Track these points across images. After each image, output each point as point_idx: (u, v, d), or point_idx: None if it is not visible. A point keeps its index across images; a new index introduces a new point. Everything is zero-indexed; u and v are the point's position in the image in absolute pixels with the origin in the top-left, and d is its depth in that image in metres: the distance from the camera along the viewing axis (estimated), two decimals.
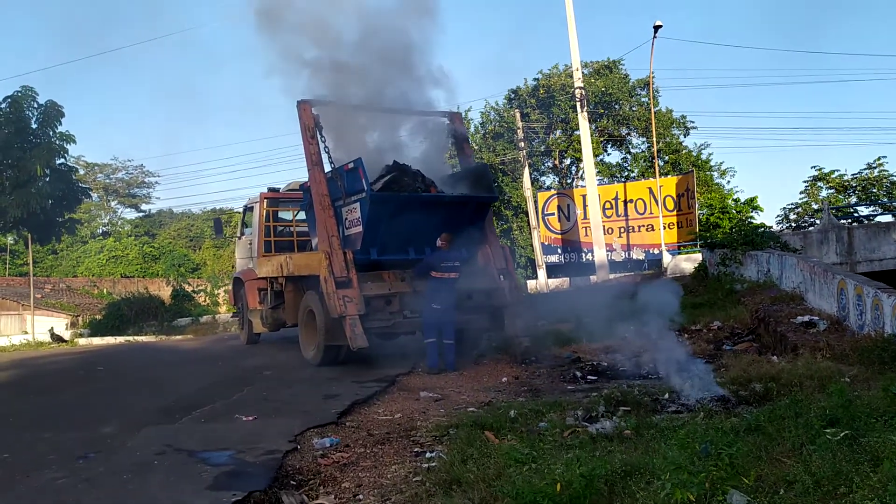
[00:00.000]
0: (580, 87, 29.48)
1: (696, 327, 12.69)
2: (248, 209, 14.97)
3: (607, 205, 32.67)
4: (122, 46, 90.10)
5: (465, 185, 11.09)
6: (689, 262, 27.23)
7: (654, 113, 37.14)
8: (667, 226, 30.44)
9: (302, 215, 13.65)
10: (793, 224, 30.95)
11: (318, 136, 11.02)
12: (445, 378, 9.89)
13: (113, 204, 54.35)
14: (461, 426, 6.81)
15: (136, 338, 21.95)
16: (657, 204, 31.00)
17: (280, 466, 5.77)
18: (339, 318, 9.97)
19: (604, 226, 29.79)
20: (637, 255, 32.05)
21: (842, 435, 5.17)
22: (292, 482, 5.55)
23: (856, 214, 27.69)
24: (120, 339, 20.93)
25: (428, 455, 6.11)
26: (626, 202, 32.54)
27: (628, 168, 39.53)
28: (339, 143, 11.21)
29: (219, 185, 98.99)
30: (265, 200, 13.65)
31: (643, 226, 31.98)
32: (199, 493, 5.06)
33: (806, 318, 10.18)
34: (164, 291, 35.54)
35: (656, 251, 30.97)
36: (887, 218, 25.94)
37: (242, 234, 15.31)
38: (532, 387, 9.29)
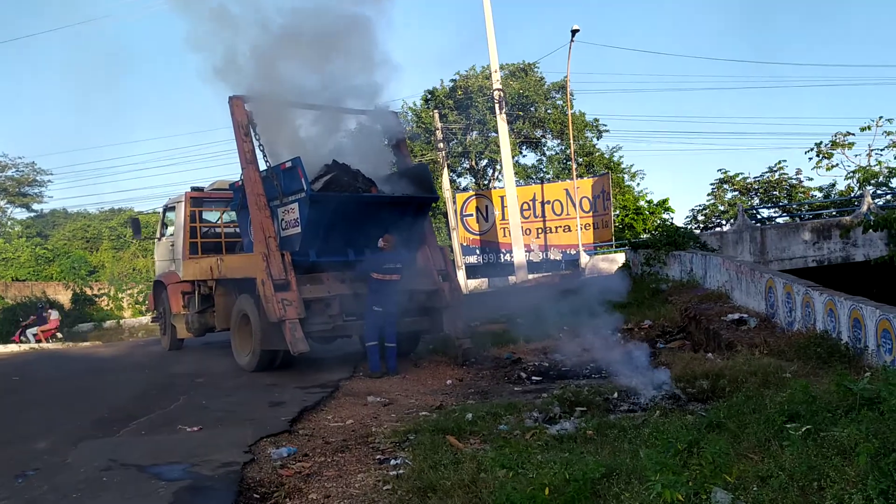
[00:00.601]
0: (499, 89, 29.76)
1: (627, 326, 12.92)
2: (168, 209, 14.33)
3: (525, 206, 33.06)
4: (24, 35, 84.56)
5: (405, 185, 10.94)
6: (606, 263, 27.89)
7: (568, 116, 37.96)
8: (583, 226, 31.07)
9: (230, 216, 13.16)
10: (701, 225, 32.15)
11: (252, 134, 10.63)
12: (388, 382, 9.71)
13: (1, 203, 51.27)
14: (420, 431, 6.69)
15: (41, 345, 20.69)
16: (574, 205, 31.62)
17: (241, 479, 5.49)
18: (277, 322, 9.64)
19: (522, 226, 30.17)
20: (555, 255, 32.59)
21: (804, 430, 5.32)
22: (255, 495, 5.29)
23: (758, 216, 29.05)
24: (24, 347, 19.65)
25: (393, 462, 5.96)
26: (543, 203, 33.03)
27: (543, 170, 40.19)
28: (273, 141, 10.83)
29: (123, 184, 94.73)
30: (190, 200, 13.07)
31: (560, 226, 32.55)
32: None
33: (736, 316, 10.52)
34: (63, 295, 33.69)
35: (573, 251, 31.57)
36: (786, 219, 27.36)
37: (162, 235, 14.64)
38: (478, 389, 9.24)
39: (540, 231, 33.25)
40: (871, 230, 15.05)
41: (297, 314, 9.65)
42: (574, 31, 28.59)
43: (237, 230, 13.31)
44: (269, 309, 9.69)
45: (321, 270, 10.36)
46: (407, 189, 10.89)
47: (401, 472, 5.65)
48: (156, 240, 14.83)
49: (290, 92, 10.97)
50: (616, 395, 7.93)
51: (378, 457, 6.17)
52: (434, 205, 14.09)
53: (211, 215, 13.82)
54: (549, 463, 4.86)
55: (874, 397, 5.50)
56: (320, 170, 10.41)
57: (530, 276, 29.63)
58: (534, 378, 9.67)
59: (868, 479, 4.18)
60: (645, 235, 30.26)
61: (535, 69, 39.64)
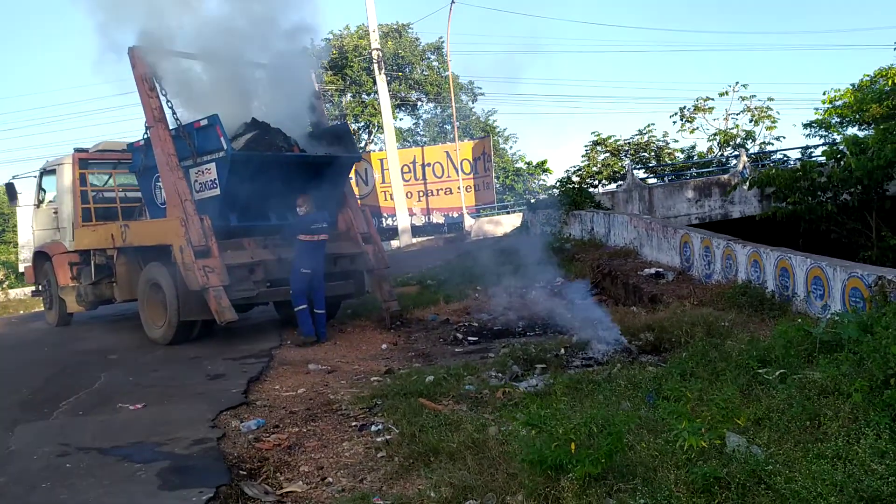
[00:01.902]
0: (378, 49, 29.26)
1: (540, 285, 13.15)
2: (47, 172, 13.04)
3: (405, 168, 32.93)
4: None
5: (325, 145, 10.49)
6: (492, 225, 28.37)
7: (445, 79, 37.95)
8: (465, 189, 31.36)
9: (127, 179, 12.17)
10: (576, 185, 33.18)
11: (158, 89, 9.82)
12: (321, 349, 9.39)
13: None
14: (386, 396, 6.51)
15: None
16: (455, 168, 31.82)
17: (222, 456, 5.11)
18: (199, 291, 9.07)
19: (403, 190, 30.05)
20: (437, 218, 32.75)
21: (778, 373, 5.60)
22: (241, 472, 4.94)
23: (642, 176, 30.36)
24: None
25: (374, 428, 5.76)
26: (424, 166, 33.03)
27: (420, 133, 40.13)
28: (181, 98, 10.08)
29: None
30: (78, 162, 11.95)
31: (442, 189, 32.70)
32: (156, 494, 4.35)
33: (652, 271, 10.95)
34: None
35: (456, 214, 31.86)
36: (652, 180, 28.74)
37: (40, 201, 13.34)
38: (418, 351, 9.12)
39: (421, 194, 33.27)
40: (746, 187, 16.07)
41: (220, 281, 9.10)
42: None
43: (127, 194, 12.40)
44: (189, 277, 9.09)
45: (241, 235, 9.81)
46: (327, 148, 10.46)
47: (388, 437, 5.47)
48: (33, 207, 13.48)
49: (194, 44, 10.20)
50: (563, 350, 8.04)
51: (353, 424, 5.95)
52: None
53: (98, 179, 12.72)
54: (567, 417, 4.78)
55: (832, 340, 5.86)
56: (238, 128, 9.80)
57: (414, 240, 29.65)
58: (470, 339, 9.64)
59: (869, 413, 4.44)
60: (531, 196, 30.96)
61: (409, 30, 39.29)
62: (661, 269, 10.92)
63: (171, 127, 9.79)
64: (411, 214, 31.73)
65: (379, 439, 5.47)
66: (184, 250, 9.11)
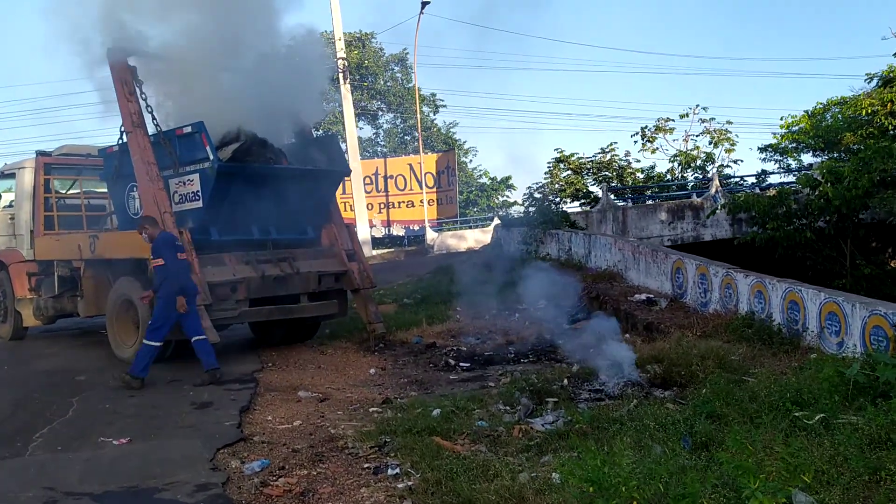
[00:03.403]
0: (343, 58, 28.80)
1: (522, 306, 12.86)
2: (5, 176, 12.25)
3: (367, 180, 32.42)
4: None
5: (312, 157, 10.02)
6: (455, 239, 28.06)
7: (408, 90, 37.67)
8: (428, 202, 31.00)
9: (99, 186, 11.47)
10: (537, 202, 33.10)
11: (138, 93, 9.25)
12: (307, 373, 8.91)
13: None
14: (394, 433, 6.09)
15: None
16: (418, 181, 31.44)
17: None
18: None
19: (364, 201, 29.56)
20: (398, 231, 32.30)
21: (817, 418, 5.37)
22: None
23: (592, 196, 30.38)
24: None
25: (391, 472, 5.31)
26: (386, 178, 32.58)
27: (381, 144, 39.66)
28: (162, 104, 9.53)
29: None
30: (42, 166, 11.19)
31: (404, 202, 32.29)
32: None
33: (643, 297, 10.75)
34: None
35: (417, 227, 31.47)
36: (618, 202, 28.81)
37: None
38: (410, 378, 8.71)
39: (382, 206, 32.82)
40: (725, 212, 16.11)
41: (202, 300, 8.55)
42: (424, 3, 28.23)
43: (91, 202, 11.71)
44: None
45: (222, 250, 9.27)
46: (314, 161, 10.00)
47: (409, 483, 5.05)
48: None
49: (175, 48, 9.65)
50: (567, 381, 7.73)
51: (366, 466, 5.50)
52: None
53: (61, 185, 11.98)
54: (626, 471, 4.42)
55: (867, 383, 5.67)
56: (223, 137, 9.28)
57: (374, 252, 29.16)
58: (462, 364, 9.26)
59: None
60: (505, 213, 30.74)
61: (373, 40, 38.89)
62: (651, 296, 10.72)
63: (150, 133, 9.22)
64: (371, 226, 31.23)
65: (400, 486, 5.04)
66: None
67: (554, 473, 4.92)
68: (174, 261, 8.11)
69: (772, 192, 20.33)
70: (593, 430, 5.92)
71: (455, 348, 10.24)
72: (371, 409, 7.16)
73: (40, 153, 11.55)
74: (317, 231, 10.30)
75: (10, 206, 12.07)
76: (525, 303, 13.12)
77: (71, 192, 11.86)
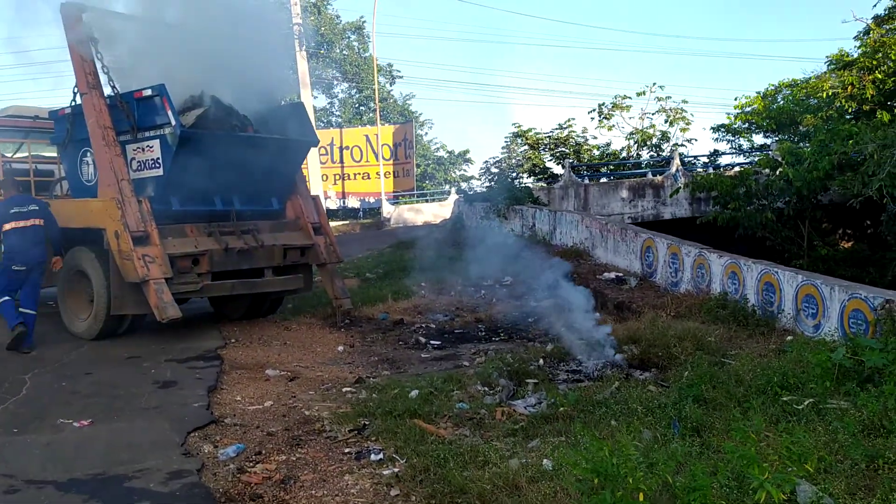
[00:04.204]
0: (298, 24, 28.01)
1: (488, 283, 12.71)
2: None
3: (322, 151, 31.76)
4: None
5: (278, 126, 9.60)
6: (413, 213, 27.77)
7: (365, 59, 36.95)
8: (384, 175, 30.59)
9: (52, 151, 10.84)
10: (495, 176, 32.97)
11: (95, 52, 8.70)
12: (271, 350, 8.59)
13: None
14: (375, 415, 5.87)
15: None
16: (374, 153, 30.96)
17: (210, 495, 4.36)
18: (135, 284, 8.10)
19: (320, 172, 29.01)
20: (353, 203, 31.83)
21: (807, 403, 5.33)
22: None
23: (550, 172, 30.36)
24: None
25: (375, 458, 5.10)
26: (342, 149, 31.99)
27: (336, 114, 38.92)
28: (118, 63, 8.98)
29: None
30: None
31: (359, 174, 31.79)
32: None
33: (612, 276, 10.69)
34: None
35: (372, 200, 31.07)
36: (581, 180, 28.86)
37: None
38: (381, 356, 8.47)
39: (338, 177, 32.28)
40: (688, 192, 16.19)
41: (162, 273, 8.15)
42: None
43: (38, 167, 11.10)
44: (126, 267, 8.09)
45: (183, 221, 8.85)
46: (280, 130, 9.58)
47: (395, 470, 4.84)
48: None
49: (135, 4, 9.13)
50: (542, 361, 7.61)
51: (347, 451, 5.28)
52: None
53: (6, 148, 11.31)
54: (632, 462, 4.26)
55: (853, 367, 5.65)
56: (185, 102, 8.82)
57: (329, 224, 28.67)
58: (433, 342, 9.06)
59: None
60: (464, 186, 30.48)
61: (329, 6, 37.98)
62: (620, 275, 10.66)
63: (106, 95, 8.70)
64: (326, 198, 30.69)
65: (385, 472, 4.83)
66: (120, 236, 8.11)
67: (545, 460, 4.77)
68: (5, 233, 8.20)
69: (731, 172, 20.58)
70: (578, 413, 5.81)
71: (424, 325, 10.03)
72: (344, 390, 6.92)
73: None
74: (282, 203, 9.92)
75: None
76: (490, 279, 12.99)
77: (17, 156, 11.20)
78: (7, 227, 8.16)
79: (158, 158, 8.51)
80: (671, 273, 9.84)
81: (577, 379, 7.02)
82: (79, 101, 8.81)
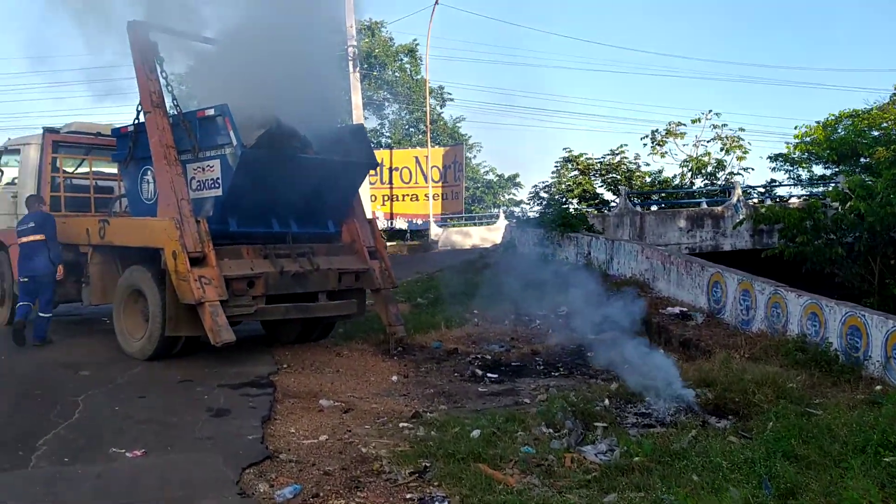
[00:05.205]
0: (353, 46, 28.15)
1: (542, 312, 12.34)
2: (8, 152, 11.63)
3: (372, 171, 31.78)
4: None
5: (340, 148, 9.43)
6: (461, 236, 27.52)
7: (416, 81, 37.03)
8: (433, 196, 30.40)
9: (109, 167, 10.89)
10: (545, 201, 32.56)
11: (159, 71, 8.67)
12: (324, 378, 8.34)
13: None
14: (436, 456, 5.56)
15: None
16: (423, 174, 30.82)
17: None
18: (192, 305, 7.96)
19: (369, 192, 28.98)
20: (400, 224, 31.68)
21: None
22: None
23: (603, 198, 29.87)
24: None
25: None
26: (391, 170, 31.86)
27: (386, 135, 38.99)
28: (181, 82, 8.94)
29: None
30: (51, 143, 10.58)
31: (408, 195, 31.62)
32: None
33: (677, 311, 10.27)
34: None
35: (420, 221, 30.88)
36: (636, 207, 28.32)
37: None
38: (437, 389, 8.19)
39: (386, 198, 32.16)
40: (751, 223, 15.62)
41: (218, 295, 8.01)
42: None
43: (98, 183, 11.15)
44: (182, 288, 7.97)
45: (240, 242, 8.72)
46: (340, 151, 9.41)
47: None
48: None
49: (201, 25, 9.10)
50: (608, 401, 7.22)
51: (409, 496, 4.97)
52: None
53: (69, 164, 11.37)
54: None
55: None
56: (246, 121, 8.69)
57: None
58: (490, 376, 8.74)
59: None
60: (505, 211, 30.20)
61: (383, 29, 38.22)
62: (684, 309, 10.21)
63: (169, 114, 8.65)
64: (374, 218, 30.65)
65: None
66: (177, 256, 7.99)
67: None
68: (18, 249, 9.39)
69: (795, 203, 19.92)
70: (655, 464, 5.42)
71: (479, 356, 9.72)
72: (401, 425, 6.63)
73: (47, 130, 10.96)
74: (338, 226, 9.76)
75: (13, 183, 11.45)
76: (545, 309, 12.62)
77: (79, 172, 11.26)
78: (18, 242, 9.39)
79: (218, 178, 8.41)
80: (742, 311, 9.37)
81: (647, 424, 6.62)
82: (142, 119, 8.78)
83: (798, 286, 9.60)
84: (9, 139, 11.86)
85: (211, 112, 8.31)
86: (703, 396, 7.11)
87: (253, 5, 9.05)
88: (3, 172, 11.86)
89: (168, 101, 8.70)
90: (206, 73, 9.10)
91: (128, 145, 9.28)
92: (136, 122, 8.98)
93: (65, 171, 10.91)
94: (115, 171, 10.67)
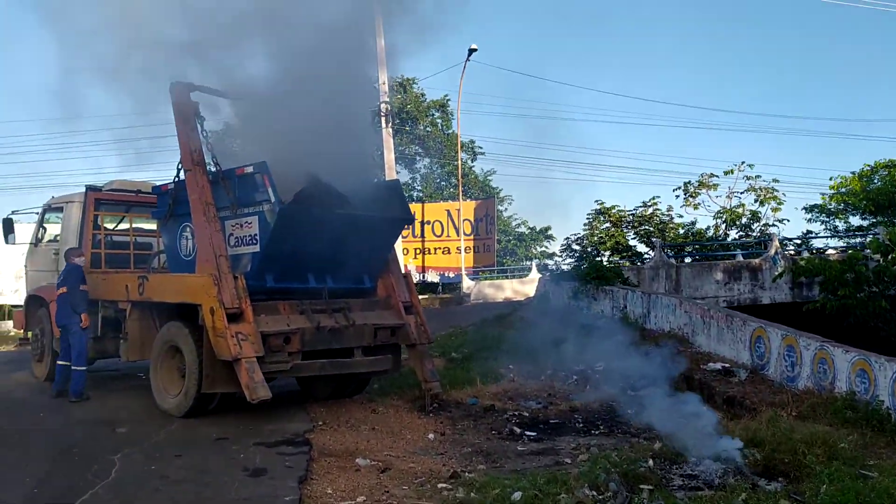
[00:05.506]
0: (386, 102, 28.64)
1: (579, 367, 12.14)
2: (52, 209, 11.91)
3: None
4: None
5: (375, 203, 9.48)
6: (493, 289, 27.42)
7: (447, 136, 37.47)
8: (465, 249, 30.44)
9: (149, 224, 11.08)
10: (578, 254, 32.43)
11: (200, 130, 8.85)
12: (360, 437, 8.22)
13: None
14: None
15: None
16: (455, 227, 30.93)
17: None
18: (229, 361, 7.95)
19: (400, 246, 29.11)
20: (432, 277, 31.70)
21: None
22: None
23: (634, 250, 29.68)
24: None
25: None
26: (423, 223, 32.01)
27: (417, 188, 39.33)
28: (221, 140, 9.13)
29: None
30: (93, 201, 10.81)
31: (440, 248, 31.71)
32: None
33: (719, 366, 10.03)
34: None
35: (452, 274, 30.87)
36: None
37: (39, 240, 12.14)
38: (474, 447, 8.01)
39: (418, 251, 32.25)
40: (790, 276, 15.35)
41: (254, 352, 7.99)
42: (471, 51, 28.07)
43: (137, 240, 11.32)
44: (219, 344, 7.97)
45: (276, 298, 8.74)
46: (376, 207, 9.46)
47: None
48: (31, 245, 12.25)
49: (242, 86, 9.30)
50: (651, 461, 7.00)
51: None
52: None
53: (109, 221, 11.60)
54: None
55: None
56: (283, 178, 8.80)
57: None
58: (528, 434, 8.56)
59: None
60: (538, 264, 30.10)
61: (415, 85, 38.87)
62: (726, 365, 9.97)
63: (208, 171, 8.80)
64: (408, 273, 30.72)
65: None
66: (215, 312, 8.02)
67: None
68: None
69: (834, 255, 19.55)
70: None
71: (516, 413, 9.55)
72: (440, 486, 6.48)
73: (90, 188, 11.21)
74: (374, 281, 9.75)
75: (55, 240, 11.68)
76: (582, 364, 12.42)
77: (119, 228, 11.46)
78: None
79: (256, 234, 8.48)
80: (787, 367, 9.12)
81: (695, 486, 6.39)
82: (182, 176, 8.93)
83: (842, 340, 9.35)
84: (52, 197, 12.15)
85: (250, 169, 8.43)
86: (752, 457, 6.87)
87: (290, 64, 9.23)
88: (45, 229, 12.13)
89: (207, 159, 8.86)
90: (244, 131, 9.25)
91: (168, 202, 9.43)
92: (177, 179, 9.13)
93: (105, 228, 11.10)
94: (153, 227, 10.83)
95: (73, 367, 9.58)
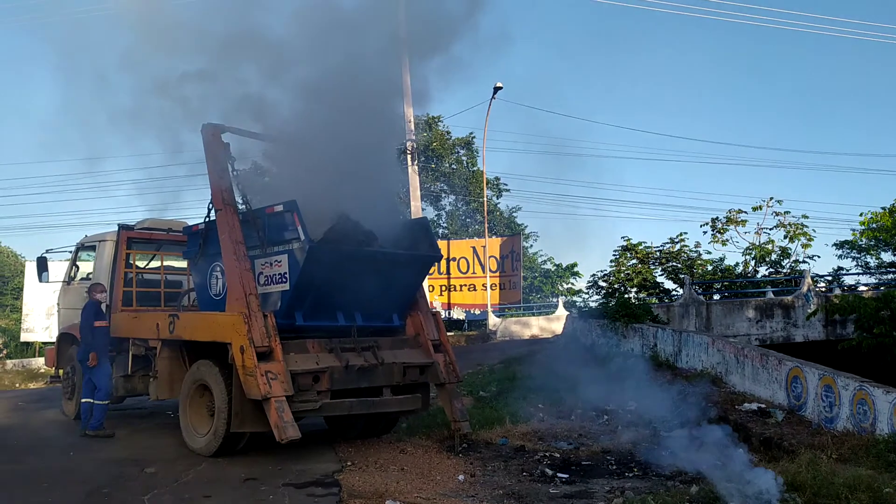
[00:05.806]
0: (412, 140, 28.90)
1: (610, 407, 11.95)
2: (85, 248, 12.08)
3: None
4: None
5: (404, 241, 9.49)
6: (519, 326, 27.25)
7: (473, 173, 37.63)
8: (490, 286, 30.37)
9: (177, 262, 11.19)
10: (605, 291, 32.17)
11: (231, 170, 8.95)
12: (390, 477, 8.12)
13: None
14: None
15: None
16: (481, 264, 30.90)
17: None
18: (258, 401, 7.92)
19: (427, 283, 29.11)
20: (458, 314, 31.61)
21: None
22: None
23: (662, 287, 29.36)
24: None
25: None
26: (449, 260, 32.04)
27: (443, 225, 39.42)
28: (250, 179, 9.22)
29: None
30: (125, 240, 10.94)
31: (465, 285, 31.67)
32: None
33: (754, 407, 9.81)
34: None
35: (478, 311, 30.76)
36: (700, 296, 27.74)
37: (72, 278, 12.30)
38: (506, 489, 7.85)
39: (444, 288, 32.22)
40: (824, 314, 15.07)
41: (284, 391, 7.96)
42: (497, 89, 28.31)
43: (167, 278, 11.42)
44: (248, 383, 7.95)
45: (305, 336, 8.72)
46: (405, 245, 9.47)
47: None
48: (64, 284, 12.41)
49: (273, 127, 9.42)
50: None
51: None
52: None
53: (140, 260, 11.72)
54: None
55: None
56: (312, 216, 8.84)
57: None
58: (560, 476, 8.39)
59: None
60: (565, 301, 29.93)
61: (440, 123, 39.20)
62: (762, 406, 9.75)
63: (239, 210, 8.88)
64: (436, 311, 30.65)
65: None
66: (245, 351, 8.01)
67: None
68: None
69: (866, 290, 19.21)
70: None
71: (547, 454, 9.36)
72: None
73: (122, 227, 11.35)
74: (402, 319, 9.71)
75: (87, 278, 11.81)
76: (612, 403, 12.23)
77: (150, 267, 11.58)
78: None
79: (285, 273, 8.50)
80: (825, 407, 8.89)
81: None
82: (212, 216, 9.01)
83: (880, 380, 9.11)
84: (85, 236, 12.34)
85: (280, 208, 8.48)
86: (793, 501, 6.67)
87: (319, 103, 9.34)
88: (78, 268, 12.29)
89: (237, 198, 8.94)
90: (273, 169, 9.34)
91: (198, 242, 9.50)
92: (207, 219, 9.21)
93: (137, 267, 11.22)
94: (183, 265, 10.92)
95: (94, 401, 9.77)
